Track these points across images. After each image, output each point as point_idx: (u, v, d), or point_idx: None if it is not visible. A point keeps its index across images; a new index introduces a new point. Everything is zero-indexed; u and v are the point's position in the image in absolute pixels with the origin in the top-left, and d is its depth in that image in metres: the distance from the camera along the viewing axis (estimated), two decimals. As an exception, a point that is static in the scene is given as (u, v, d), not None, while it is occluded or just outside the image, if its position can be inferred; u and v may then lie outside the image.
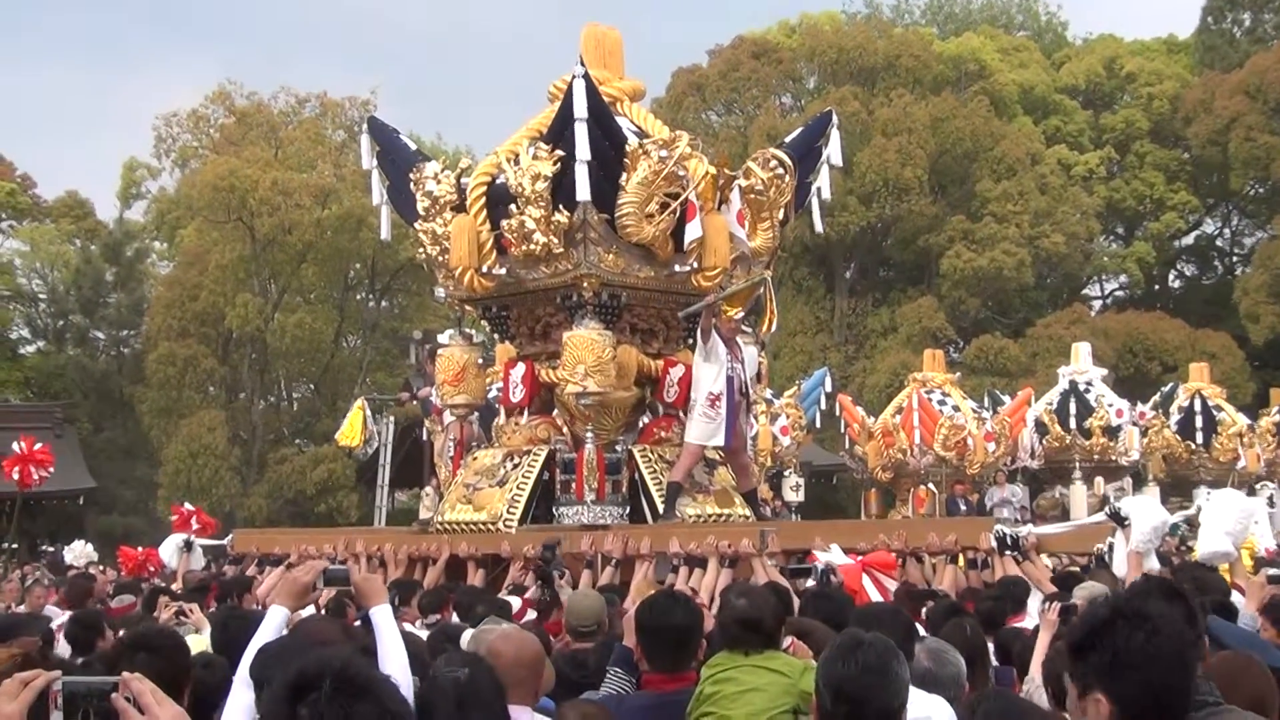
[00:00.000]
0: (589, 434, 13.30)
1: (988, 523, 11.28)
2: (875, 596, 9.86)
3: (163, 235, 51.76)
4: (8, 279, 48.49)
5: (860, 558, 10.35)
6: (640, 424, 14.15)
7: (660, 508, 13.06)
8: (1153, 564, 10.18)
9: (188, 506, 16.93)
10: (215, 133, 47.15)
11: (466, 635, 7.26)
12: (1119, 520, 10.29)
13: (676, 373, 13.57)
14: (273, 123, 45.95)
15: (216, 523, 17.90)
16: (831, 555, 10.35)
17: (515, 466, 13.64)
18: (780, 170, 13.62)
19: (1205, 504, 11.91)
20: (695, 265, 13.23)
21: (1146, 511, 10.32)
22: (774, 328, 13.95)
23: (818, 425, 29.71)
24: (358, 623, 9.52)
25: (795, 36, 52.41)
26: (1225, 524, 11.46)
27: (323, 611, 10.44)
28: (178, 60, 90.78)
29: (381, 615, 5.81)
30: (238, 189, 40.63)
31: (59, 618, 10.65)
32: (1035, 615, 9.01)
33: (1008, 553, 10.29)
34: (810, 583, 9.76)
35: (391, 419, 28.02)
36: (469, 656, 5.52)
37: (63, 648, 8.91)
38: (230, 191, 40.72)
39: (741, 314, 13.83)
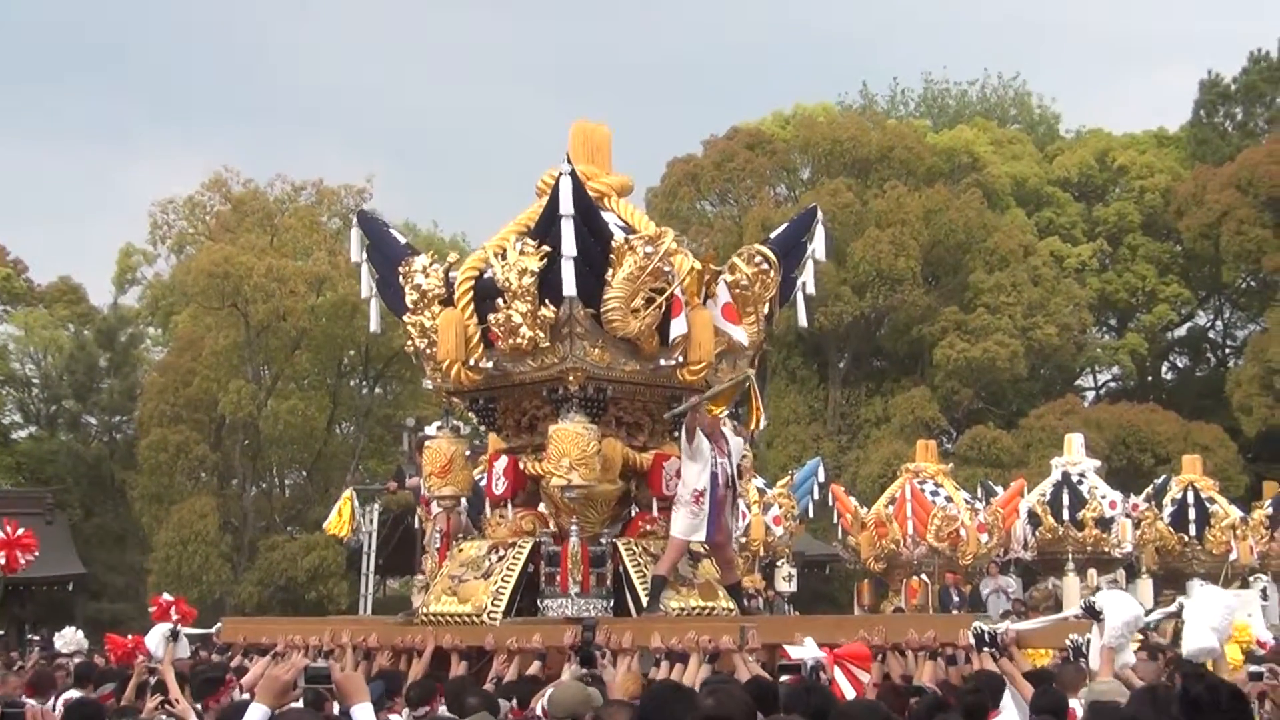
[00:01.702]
0: (574, 527, 13.30)
1: (966, 619, 11.29)
2: (848, 689, 9.84)
3: (157, 321, 51.90)
4: (1, 364, 48.55)
5: (832, 650, 10.34)
6: (626, 517, 14.18)
7: (644, 601, 13.08)
8: (1126, 658, 10.17)
9: (166, 597, 16.81)
10: (211, 219, 47.33)
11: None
12: (1094, 615, 10.28)
13: (672, 465, 13.67)
14: (268, 210, 46.12)
15: (195, 612, 17.81)
16: (805, 649, 10.34)
17: (500, 559, 13.66)
18: (765, 265, 13.75)
19: (1188, 601, 11.92)
20: (680, 360, 13.31)
21: (1121, 606, 10.30)
22: (761, 425, 14.02)
23: (811, 515, 29.65)
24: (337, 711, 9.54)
25: (789, 128, 52.80)
26: (1210, 620, 11.47)
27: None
28: (175, 147, 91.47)
29: (362, 713, 5.83)
30: (232, 275, 40.76)
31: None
32: (1011, 710, 9.02)
33: (985, 649, 10.29)
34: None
35: (377, 508, 28.00)
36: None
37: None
38: (225, 278, 40.85)
39: (725, 412, 13.89)
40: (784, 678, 9.63)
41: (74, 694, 12.28)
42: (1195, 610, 11.51)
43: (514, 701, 9.76)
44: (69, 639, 21.98)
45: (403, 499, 26.31)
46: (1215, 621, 11.34)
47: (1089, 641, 10.19)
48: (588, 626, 11.37)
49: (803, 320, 15.50)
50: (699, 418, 12.99)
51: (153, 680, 11.62)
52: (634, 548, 13.59)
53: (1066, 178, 54.08)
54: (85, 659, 17.86)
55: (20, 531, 23.78)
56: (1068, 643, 10.69)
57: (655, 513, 13.83)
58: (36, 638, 26.77)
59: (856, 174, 48.00)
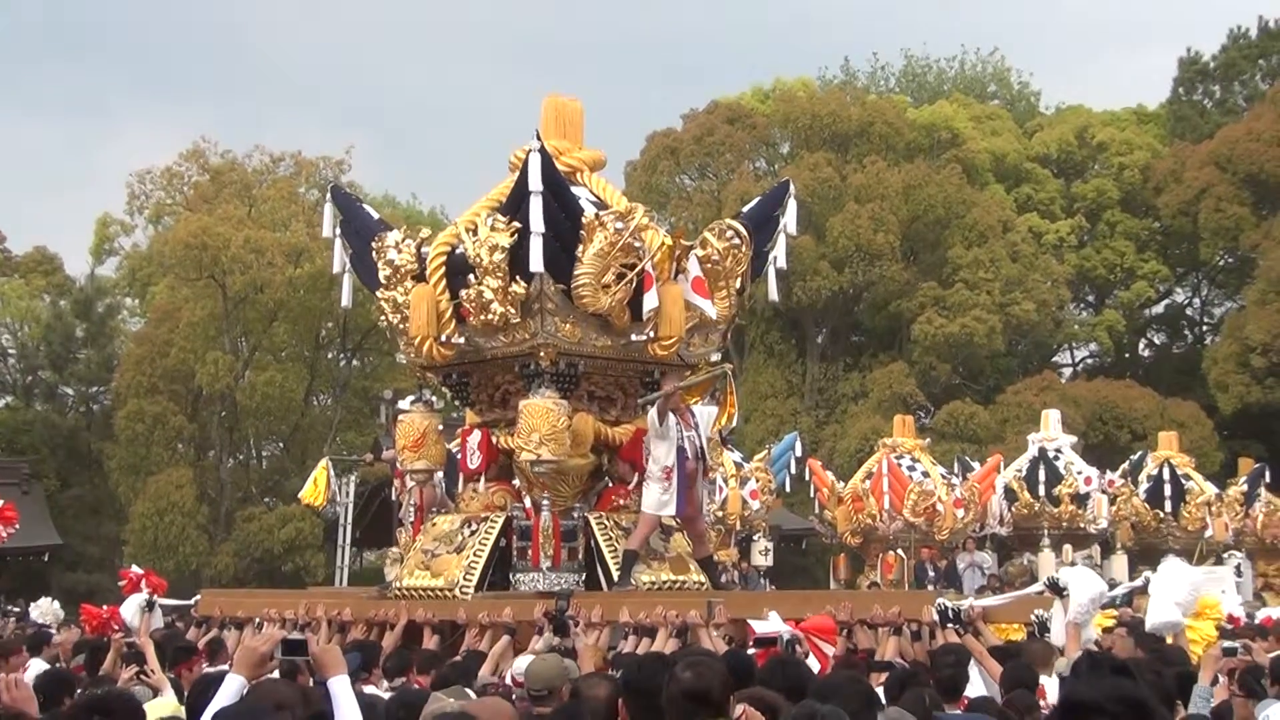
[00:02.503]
0: (545, 501, 13.34)
1: (930, 595, 11.37)
2: (813, 662, 9.89)
3: (134, 292, 51.66)
4: (-24, 334, 48.41)
5: (798, 624, 10.39)
6: (598, 491, 14.21)
7: (615, 575, 13.13)
8: (1090, 634, 10.27)
9: (136, 569, 16.83)
10: (189, 190, 47.16)
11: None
12: (1058, 591, 10.36)
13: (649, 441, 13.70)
14: (246, 181, 45.98)
15: (166, 583, 17.82)
16: (770, 622, 10.39)
17: (473, 533, 13.72)
18: (736, 240, 13.77)
19: (1154, 576, 12.03)
20: (651, 335, 13.36)
21: (1084, 583, 10.39)
22: (734, 422, 14.08)
23: (787, 489, 29.75)
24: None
25: (769, 102, 52.78)
26: (1175, 594, 11.58)
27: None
28: (153, 117, 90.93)
29: (339, 685, 5.88)
30: (210, 247, 40.63)
31: None
32: (978, 684, 9.08)
33: (949, 625, 10.36)
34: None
35: (353, 479, 27.98)
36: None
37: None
38: (202, 249, 40.72)
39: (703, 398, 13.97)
40: (754, 651, 9.68)
41: (37, 663, 12.28)
42: (1160, 585, 11.63)
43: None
44: (45, 609, 21.95)
45: (380, 471, 26.30)
46: (1180, 596, 11.46)
47: (1053, 617, 10.29)
48: (563, 595, 11.42)
49: (773, 294, 15.57)
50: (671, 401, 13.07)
51: (126, 650, 11.65)
52: (605, 522, 13.66)
53: (1046, 154, 54.13)
54: (37, 630, 17.83)
55: (3, 503, 23.70)
56: (1033, 618, 10.78)
57: (634, 485, 13.82)
58: (15, 609, 26.73)
59: (836, 149, 47.98)
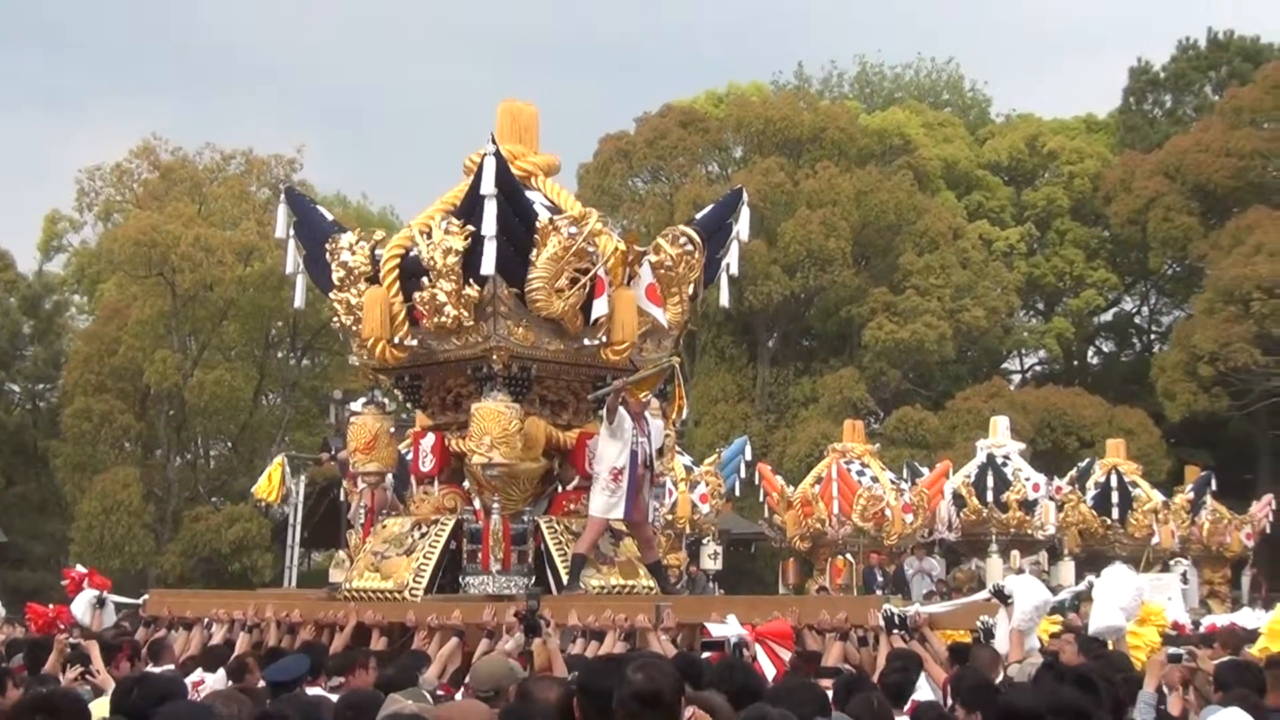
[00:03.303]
0: (496, 504, 13.36)
1: (877, 601, 11.45)
2: (769, 667, 9.95)
3: (83, 289, 51.33)
4: (-77, 330, 47.93)
5: (754, 628, 10.46)
6: (550, 495, 14.24)
7: (565, 578, 13.16)
8: (1033, 642, 10.35)
9: (80, 569, 16.78)
10: (139, 187, 46.87)
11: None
12: (1003, 598, 10.45)
13: (594, 444, 13.74)
14: (197, 179, 45.73)
15: (110, 582, 17.77)
16: (727, 626, 10.44)
17: (423, 536, 13.74)
18: (689, 246, 13.86)
19: (1098, 580, 12.13)
20: (604, 339, 13.42)
21: (1029, 590, 10.49)
22: (684, 415, 14.13)
23: (737, 493, 29.81)
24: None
25: (722, 106, 52.82)
26: (1119, 599, 11.69)
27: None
28: (104, 114, 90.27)
29: None
30: (159, 244, 40.37)
31: None
32: (925, 690, 9.15)
33: (895, 631, 10.44)
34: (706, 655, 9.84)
35: (303, 478, 27.86)
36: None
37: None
38: (152, 246, 40.46)
39: (650, 395, 13.98)
40: (706, 654, 9.72)
41: None
42: (1104, 590, 11.74)
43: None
44: (-13, 607, 21.80)
45: (329, 471, 26.23)
46: (1124, 601, 11.57)
47: (997, 624, 10.37)
48: (532, 596, 11.39)
49: (725, 301, 15.65)
50: (624, 399, 13.10)
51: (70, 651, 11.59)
52: (556, 526, 13.70)
53: (997, 161, 54.36)
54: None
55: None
56: (978, 624, 10.86)
57: (575, 490, 13.90)
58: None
59: (788, 154, 48.03)
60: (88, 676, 10.33)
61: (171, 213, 42.07)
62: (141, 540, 39.24)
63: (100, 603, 15.67)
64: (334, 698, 8.68)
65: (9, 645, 14.32)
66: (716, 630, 10.53)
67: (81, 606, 15.90)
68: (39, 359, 46.98)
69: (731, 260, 14.89)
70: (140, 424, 42.52)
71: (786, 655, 10.31)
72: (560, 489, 14.27)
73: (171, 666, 11.25)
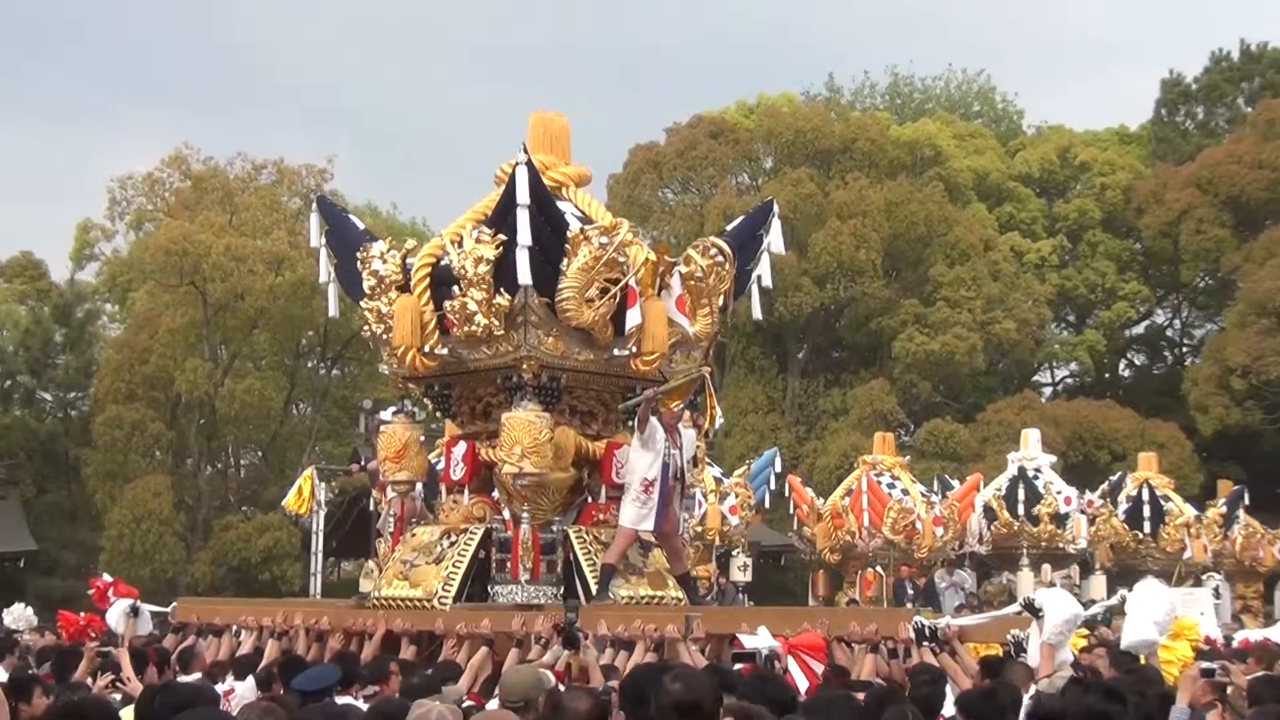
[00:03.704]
0: (525, 514, 13.37)
1: (908, 613, 11.40)
2: (801, 679, 9.90)
3: (114, 298, 51.51)
4: (-45, 338, 48.15)
5: (787, 640, 10.41)
6: (579, 505, 14.22)
7: (594, 588, 13.13)
8: (1065, 656, 10.28)
9: (106, 577, 16.83)
10: (170, 197, 46.98)
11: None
12: (1034, 612, 10.39)
13: (624, 454, 13.78)
14: (228, 188, 45.79)
15: (137, 591, 17.83)
16: (759, 638, 10.40)
17: (452, 544, 13.75)
18: (719, 258, 13.86)
19: (1130, 594, 12.05)
20: (634, 350, 13.42)
21: (1060, 604, 10.43)
22: (717, 424, 14.13)
23: (767, 505, 29.71)
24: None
25: (753, 117, 52.75)
26: (1151, 613, 11.60)
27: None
28: (136, 123, 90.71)
29: None
30: (190, 253, 40.50)
31: None
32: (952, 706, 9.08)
33: (925, 643, 10.39)
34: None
35: (323, 487, 27.92)
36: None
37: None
38: (183, 256, 40.59)
39: (682, 406, 13.97)
40: (737, 666, 9.68)
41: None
42: (1137, 603, 11.65)
43: None
44: (18, 615, 21.90)
45: (359, 481, 26.29)
46: (1156, 615, 11.48)
47: (1029, 637, 10.30)
48: (571, 608, 11.33)
49: (757, 313, 15.61)
50: (657, 410, 13.10)
51: (100, 659, 11.64)
52: (585, 536, 13.70)
53: (1028, 173, 54.16)
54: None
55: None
56: (1008, 638, 10.80)
57: (604, 501, 13.88)
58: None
59: (819, 165, 47.95)
60: (118, 684, 10.36)
61: (203, 222, 42.16)
62: (172, 549, 39.33)
63: (134, 612, 15.71)
64: (364, 706, 8.69)
65: (39, 653, 14.41)
66: (748, 641, 10.49)
67: (115, 616, 15.96)
68: (71, 367, 47.09)
69: (762, 272, 14.88)
70: (171, 433, 42.62)
71: (819, 667, 10.26)
72: (590, 499, 14.23)
73: (199, 675, 11.26)
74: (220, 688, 10.28)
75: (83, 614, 18.19)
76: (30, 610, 21.60)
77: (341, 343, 43.89)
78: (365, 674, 10.35)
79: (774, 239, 14.89)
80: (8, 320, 47.42)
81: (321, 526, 26.42)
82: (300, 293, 40.18)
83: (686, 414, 14.10)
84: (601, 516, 13.95)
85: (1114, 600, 14.20)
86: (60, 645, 14.99)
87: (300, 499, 24.49)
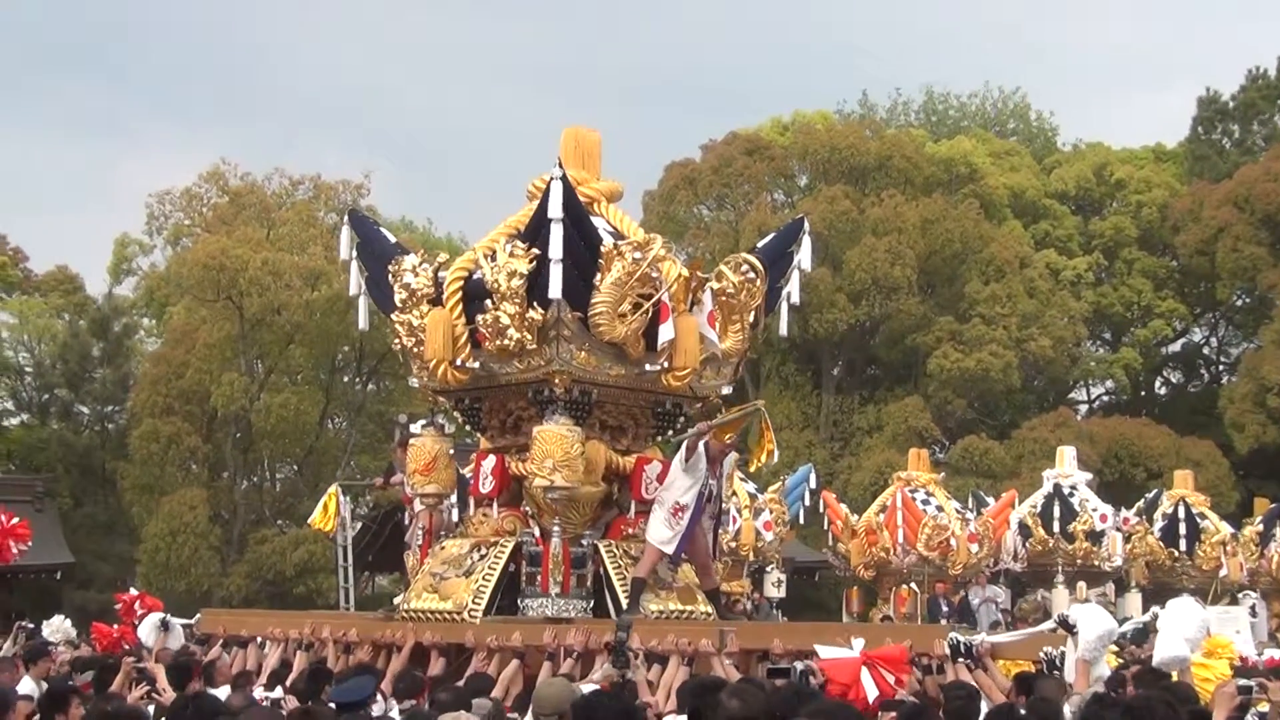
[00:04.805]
0: (556, 527, 13.38)
1: (942, 630, 11.36)
2: (873, 692, 9.83)
3: (151, 312, 51.88)
4: (-6, 351, 48.50)
5: (869, 654, 10.33)
6: (608, 519, 14.22)
7: (624, 603, 13.14)
8: (1101, 671, 10.25)
9: (133, 591, 16.93)
10: (208, 212, 47.30)
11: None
12: (1069, 628, 10.36)
13: (653, 470, 13.79)
14: (265, 204, 46.06)
15: (161, 604, 17.95)
16: (847, 649, 10.35)
17: (482, 557, 13.75)
18: (751, 274, 13.86)
19: (1163, 611, 12.02)
20: (666, 365, 13.40)
21: (1094, 620, 10.40)
22: (774, 458, 14.16)
23: (801, 521, 29.68)
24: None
25: (788, 134, 52.85)
26: (1184, 630, 11.57)
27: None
28: (174, 138, 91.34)
29: None
30: (228, 268, 40.74)
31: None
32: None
33: (960, 660, 10.35)
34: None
35: (347, 500, 27.91)
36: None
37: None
38: (220, 270, 40.83)
39: (735, 438, 13.98)
40: (777, 681, 9.65)
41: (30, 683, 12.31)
42: (1170, 620, 11.62)
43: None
44: (56, 628, 22.03)
45: (394, 495, 26.31)
46: (1189, 633, 11.45)
47: (1063, 654, 10.27)
48: (622, 626, 11.29)
49: (784, 330, 15.58)
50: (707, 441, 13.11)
51: (136, 673, 11.73)
52: (615, 550, 13.70)
53: (1064, 190, 54.08)
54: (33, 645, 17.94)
55: (15, 521, 23.86)
56: (1042, 655, 10.77)
57: (634, 515, 13.88)
58: (30, 624, 26.80)
59: (854, 182, 48.00)
60: (153, 695, 10.43)
61: (240, 237, 42.40)
62: (207, 562, 39.52)
63: (165, 625, 15.81)
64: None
65: (73, 662, 14.50)
66: (829, 654, 10.44)
67: (147, 629, 16.07)
68: (108, 381, 47.33)
69: (792, 289, 14.86)
70: (207, 446, 42.84)
71: (893, 679, 10.15)
72: (619, 513, 14.23)
73: (227, 688, 11.31)
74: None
75: (116, 626, 18.34)
76: (69, 623, 21.74)
77: (377, 357, 44.02)
78: (401, 689, 10.38)
79: (804, 256, 14.91)
80: (45, 334, 47.76)
81: (349, 541, 26.40)
82: (336, 307, 40.29)
83: (735, 456, 14.14)
84: (631, 531, 13.93)
85: (1146, 618, 14.15)
86: (97, 657, 15.10)
87: (326, 516, 24.50)
